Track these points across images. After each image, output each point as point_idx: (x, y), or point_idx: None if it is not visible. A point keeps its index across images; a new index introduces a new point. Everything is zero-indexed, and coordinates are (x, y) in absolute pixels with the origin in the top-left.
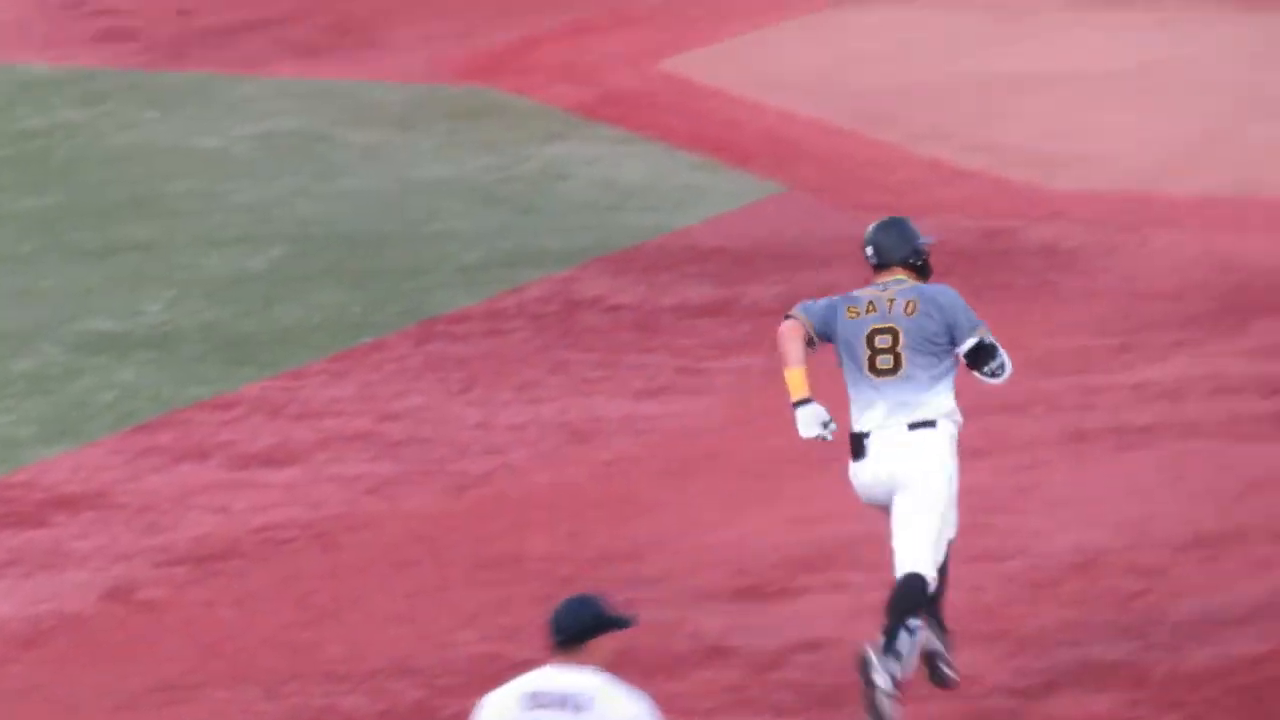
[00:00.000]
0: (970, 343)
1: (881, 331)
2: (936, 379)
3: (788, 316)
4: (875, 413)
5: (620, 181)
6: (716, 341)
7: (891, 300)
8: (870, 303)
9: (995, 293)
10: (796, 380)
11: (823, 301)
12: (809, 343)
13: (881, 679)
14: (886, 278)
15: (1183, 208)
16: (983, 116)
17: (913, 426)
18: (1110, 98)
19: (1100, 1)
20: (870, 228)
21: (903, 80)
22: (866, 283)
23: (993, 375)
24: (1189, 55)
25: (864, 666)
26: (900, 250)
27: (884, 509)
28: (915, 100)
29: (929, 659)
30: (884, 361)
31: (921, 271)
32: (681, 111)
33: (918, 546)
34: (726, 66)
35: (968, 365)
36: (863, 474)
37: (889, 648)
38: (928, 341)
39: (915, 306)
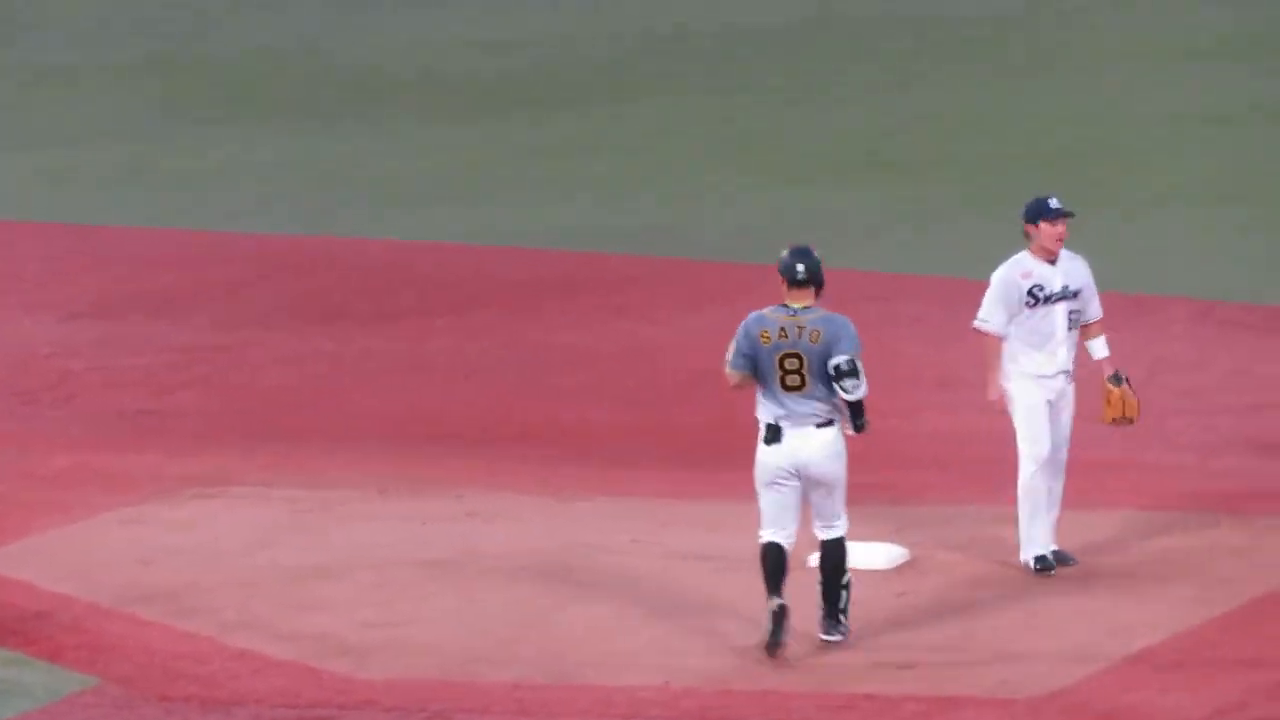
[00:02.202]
0: (836, 360)
1: (790, 356)
2: (833, 389)
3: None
4: (786, 411)
5: None
6: None
7: (801, 328)
8: (782, 329)
9: None
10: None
11: (740, 343)
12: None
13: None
14: (799, 300)
15: (494, 694)
16: (292, 606)
17: (818, 426)
18: (421, 585)
19: (406, 490)
20: (787, 253)
21: (213, 572)
22: (776, 301)
23: (848, 392)
24: (500, 546)
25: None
26: (820, 274)
27: (780, 485)
28: (225, 591)
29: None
30: (792, 380)
31: (820, 292)
32: None
33: (835, 507)
34: (36, 560)
35: (832, 379)
36: (775, 456)
37: (831, 613)
38: (826, 362)
39: (819, 335)
